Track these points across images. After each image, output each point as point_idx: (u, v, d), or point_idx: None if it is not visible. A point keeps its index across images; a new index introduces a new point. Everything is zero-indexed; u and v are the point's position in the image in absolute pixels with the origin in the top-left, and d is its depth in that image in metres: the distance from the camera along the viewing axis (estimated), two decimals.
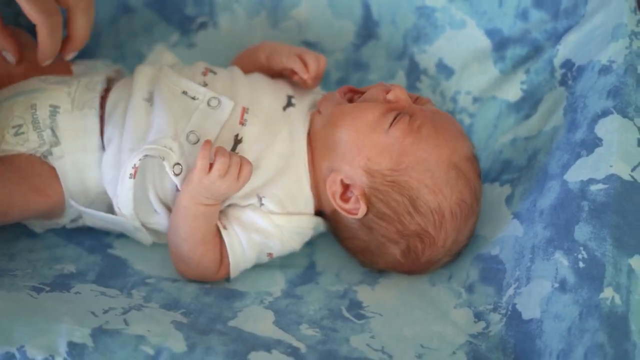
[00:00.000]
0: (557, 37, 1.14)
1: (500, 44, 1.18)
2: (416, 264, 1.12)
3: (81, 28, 1.08)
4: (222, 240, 1.09)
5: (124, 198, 1.08)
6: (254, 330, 1.01)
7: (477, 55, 1.19)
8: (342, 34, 1.24)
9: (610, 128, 1.02)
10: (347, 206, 1.08)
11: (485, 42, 1.18)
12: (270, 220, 1.08)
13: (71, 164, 1.08)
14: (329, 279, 1.13)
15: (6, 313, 0.96)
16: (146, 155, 1.05)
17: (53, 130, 1.07)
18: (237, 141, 1.08)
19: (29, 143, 1.07)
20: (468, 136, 1.12)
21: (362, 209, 1.07)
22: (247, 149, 1.08)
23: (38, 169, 1.08)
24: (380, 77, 1.24)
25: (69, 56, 1.11)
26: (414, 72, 1.23)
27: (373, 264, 1.14)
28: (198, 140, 1.07)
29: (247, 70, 1.17)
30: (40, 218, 1.13)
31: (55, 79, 1.11)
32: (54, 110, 1.08)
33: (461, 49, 1.20)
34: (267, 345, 0.98)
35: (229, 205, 1.09)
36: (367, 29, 1.23)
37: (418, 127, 1.05)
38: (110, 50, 1.25)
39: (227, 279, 1.12)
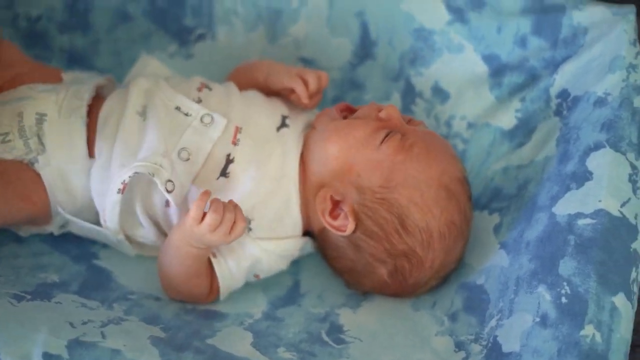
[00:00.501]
0: (555, 66, 1.13)
1: (497, 70, 1.16)
2: (403, 286, 1.11)
3: None
4: (212, 268, 1.08)
5: (110, 211, 1.07)
6: (231, 350, 1.00)
7: (474, 80, 1.18)
8: (339, 53, 1.23)
9: (601, 162, 1.01)
10: (336, 223, 1.07)
11: (482, 68, 1.17)
12: (259, 246, 1.07)
13: (57, 172, 1.08)
14: (311, 301, 1.12)
15: None
16: (136, 173, 1.04)
17: (39, 138, 1.07)
18: (229, 161, 1.08)
19: (15, 151, 1.07)
20: (460, 159, 1.11)
21: (351, 226, 1.06)
22: (238, 170, 1.07)
23: (23, 175, 1.08)
24: (376, 97, 1.23)
25: None
26: (410, 94, 1.22)
27: (359, 285, 1.13)
28: (189, 157, 1.06)
29: (243, 87, 1.16)
30: (27, 224, 1.13)
31: (44, 87, 1.11)
32: (41, 118, 1.07)
33: (458, 73, 1.19)
34: None
35: None
36: (364, 49, 1.22)
37: (410, 145, 1.05)
38: (107, 57, 1.24)
39: None
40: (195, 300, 1.10)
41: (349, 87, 1.25)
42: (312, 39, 1.23)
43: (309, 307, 1.11)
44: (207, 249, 1.05)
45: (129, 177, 1.04)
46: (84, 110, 1.09)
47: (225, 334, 1.04)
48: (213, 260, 1.07)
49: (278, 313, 1.10)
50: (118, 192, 1.06)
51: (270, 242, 1.08)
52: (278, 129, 1.11)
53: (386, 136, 1.05)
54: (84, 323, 1.00)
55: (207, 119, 1.08)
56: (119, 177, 1.05)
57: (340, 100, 1.24)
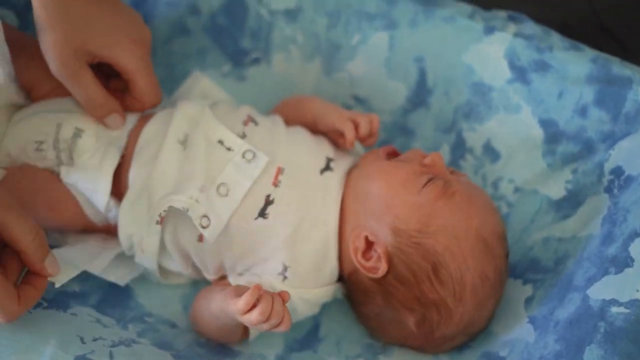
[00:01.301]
0: (613, 140, 1.08)
1: (553, 136, 1.12)
2: (429, 338, 1.07)
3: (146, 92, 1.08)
4: None
5: (149, 242, 1.06)
6: None
7: (527, 144, 1.13)
8: (393, 96, 1.20)
9: None
10: (368, 264, 1.04)
11: (537, 132, 1.13)
12: (298, 295, 1.04)
13: (80, 190, 1.07)
14: (328, 348, 1.10)
15: None
16: (170, 206, 1.03)
17: (71, 152, 1.06)
18: (268, 202, 1.05)
19: (46, 161, 1.06)
20: (499, 214, 1.09)
21: (383, 268, 1.03)
22: (277, 212, 1.05)
23: (53, 186, 1.07)
24: (425, 146, 1.20)
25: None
26: (460, 148, 1.18)
27: (383, 334, 1.10)
28: (228, 193, 1.04)
29: (290, 122, 1.14)
30: (65, 232, 1.12)
31: None
32: (78, 132, 1.07)
33: (512, 134, 1.14)
34: None
35: (254, 276, 1.06)
36: (419, 96, 1.19)
37: (452, 193, 1.04)
38: (161, 69, 1.22)
39: None
40: (227, 344, 1.09)
41: (398, 133, 1.21)
42: (368, 78, 1.20)
43: (325, 354, 1.09)
44: None
45: (164, 210, 1.03)
46: (123, 143, 1.09)
47: None
48: None
49: (292, 358, 1.08)
50: (157, 224, 1.04)
51: (306, 291, 1.05)
52: (322, 171, 1.08)
53: (429, 181, 1.03)
54: (95, 340, 0.99)
55: (249, 155, 1.06)
56: (157, 208, 1.04)
57: (388, 143, 1.21)
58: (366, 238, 1.04)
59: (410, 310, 1.05)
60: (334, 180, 1.08)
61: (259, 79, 1.26)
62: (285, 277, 1.04)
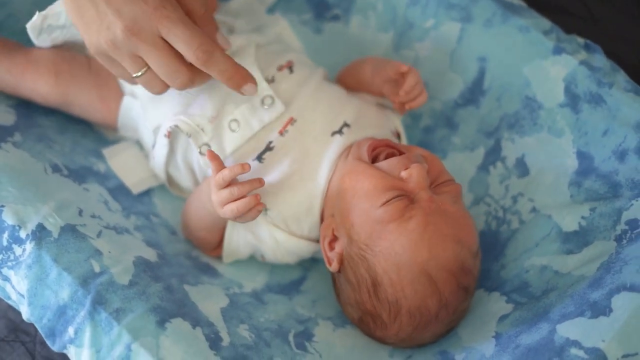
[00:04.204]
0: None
1: (585, 170, 1.10)
2: (370, 335, 1.09)
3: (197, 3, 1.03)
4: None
5: (159, 151, 1.13)
6: (199, 305, 1.03)
7: (558, 169, 1.12)
8: (449, 87, 1.20)
9: (628, 306, 0.94)
10: (329, 254, 1.06)
11: (572, 162, 1.11)
12: (271, 232, 1.08)
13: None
14: (303, 301, 1.13)
15: (12, 171, 1.05)
16: (177, 126, 1.08)
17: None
18: (268, 147, 1.08)
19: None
20: (470, 247, 1.02)
21: (334, 267, 1.05)
22: (273, 159, 1.08)
23: (113, 84, 1.16)
24: (463, 143, 1.20)
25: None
26: (494, 154, 1.17)
27: (344, 310, 1.12)
28: (237, 130, 1.08)
29: (350, 79, 1.17)
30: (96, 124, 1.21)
31: None
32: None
33: (547, 155, 1.13)
34: (197, 320, 1.00)
35: None
36: (473, 94, 1.19)
37: (408, 218, 0.99)
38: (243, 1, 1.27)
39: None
40: (202, 248, 1.14)
41: (443, 123, 1.22)
42: (431, 63, 1.21)
43: (297, 305, 1.12)
44: None
45: (170, 127, 1.09)
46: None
47: (205, 289, 1.07)
48: (229, 222, 1.10)
49: (266, 296, 1.12)
50: (165, 137, 1.11)
51: (282, 233, 1.08)
52: (333, 133, 1.09)
53: (393, 198, 1.00)
54: (92, 216, 1.06)
55: (268, 101, 1.08)
56: (165, 125, 1.10)
57: (431, 132, 1.22)
58: (333, 231, 1.05)
59: (353, 307, 1.07)
60: (339, 145, 1.08)
61: (334, 35, 1.29)
62: (266, 212, 1.08)
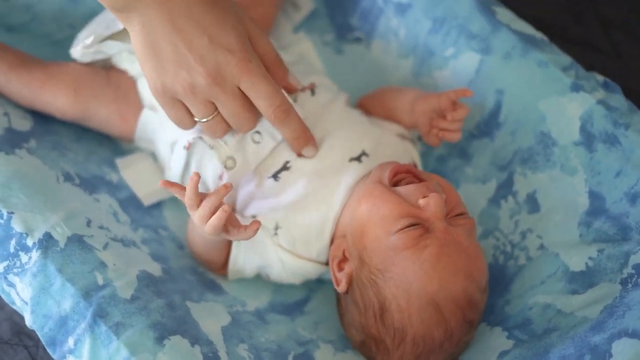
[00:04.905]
0: None
1: (595, 210, 1.09)
2: (371, 358, 1.09)
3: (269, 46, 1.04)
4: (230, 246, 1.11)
5: (176, 162, 1.13)
6: (200, 322, 1.03)
7: (569, 208, 1.11)
8: (465, 118, 1.18)
9: (628, 352, 0.94)
10: (338, 274, 1.06)
11: (583, 201, 1.10)
12: (277, 254, 1.08)
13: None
14: (305, 323, 1.13)
15: (24, 178, 1.06)
16: (200, 137, 1.09)
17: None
18: (285, 167, 1.09)
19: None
20: (479, 283, 1.02)
21: (342, 287, 1.05)
22: (289, 179, 1.08)
23: (132, 98, 1.16)
24: (476, 175, 1.19)
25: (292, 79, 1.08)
26: (505, 188, 1.17)
27: (346, 334, 1.12)
28: (260, 141, 1.08)
29: (379, 106, 1.17)
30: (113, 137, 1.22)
31: None
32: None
33: (559, 193, 1.12)
34: (196, 338, 1.01)
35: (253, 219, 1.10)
36: (488, 126, 1.18)
37: (423, 247, 0.99)
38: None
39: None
40: (208, 269, 1.14)
41: (457, 153, 1.21)
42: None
43: (299, 326, 1.12)
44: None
45: (193, 138, 1.09)
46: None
47: (207, 306, 1.07)
48: (234, 243, 1.10)
49: (269, 316, 1.12)
50: (184, 149, 1.11)
51: (289, 255, 1.08)
52: (351, 160, 1.09)
53: (408, 226, 1.00)
54: (100, 228, 1.07)
55: None
56: (186, 136, 1.10)
57: (444, 161, 1.22)
58: (344, 252, 1.05)
59: (356, 330, 1.07)
60: (355, 171, 1.08)
61: (355, 58, 1.29)
62: (276, 234, 1.07)
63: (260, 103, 0.99)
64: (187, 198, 0.99)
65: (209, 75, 0.96)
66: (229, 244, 1.10)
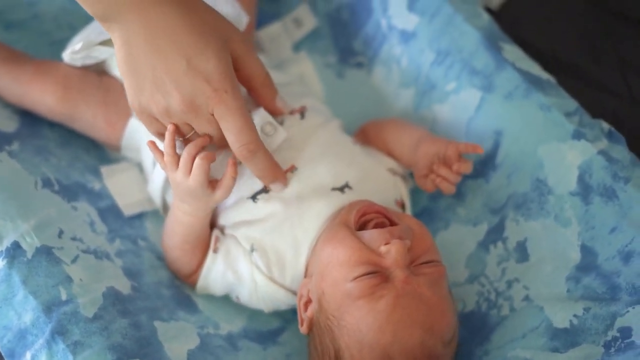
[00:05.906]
0: (639, 300, 0.99)
1: (586, 266, 1.03)
2: None
3: (258, 68, 1.02)
4: (205, 258, 1.08)
5: (157, 176, 1.12)
6: (166, 344, 1.01)
7: (559, 261, 1.05)
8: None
9: None
10: (302, 315, 1.02)
11: (574, 255, 1.04)
12: (252, 273, 1.05)
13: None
14: (276, 354, 1.09)
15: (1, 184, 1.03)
16: None
17: None
18: (264, 189, 1.06)
19: None
20: (441, 336, 0.95)
21: (304, 329, 1.02)
22: (267, 203, 1.05)
23: (122, 104, 1.13)
24: (467, 216, 1.15)
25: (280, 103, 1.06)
26: (496, 233, 1.12)
27: None
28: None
29: (373, 139, 1.14)
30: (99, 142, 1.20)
31: None
32: None
33: (550, 244, 1.07)
34: None
35: (232, 237, 1.08)
36: (484, 167, 1.14)
37: (379, 297, 0.94)
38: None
39: None
40: (177, 273, 1.12)
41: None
42: (447, 127, 1.17)
43: (270, 357, 1.09)
44: (196, 218, 1.04)
45: None
46: None
47: (177, 326, 1.04)
48: (211, 254, 1.08)
49: (241, 342, 1.08)
50: None
51: (263, 277, 1.05)
52: (333, 189, 1.06)
53: (365, 274, 0.95)
54: (73, 239, 1.04)
55: (268, 129, 1.05)
56: None
57: (435, 201, 1.18)
58: (308, 292, 1.02)
59: None
60: (335, 201, 1.05)
61: (355, 83, 1.25)
62: (253, 251, 1.05)
63: (228, 136, 0.96)
64: (166, 154, 0.98)
65: (183, 102, 0.93)
66: (205, 249, 1.08)
